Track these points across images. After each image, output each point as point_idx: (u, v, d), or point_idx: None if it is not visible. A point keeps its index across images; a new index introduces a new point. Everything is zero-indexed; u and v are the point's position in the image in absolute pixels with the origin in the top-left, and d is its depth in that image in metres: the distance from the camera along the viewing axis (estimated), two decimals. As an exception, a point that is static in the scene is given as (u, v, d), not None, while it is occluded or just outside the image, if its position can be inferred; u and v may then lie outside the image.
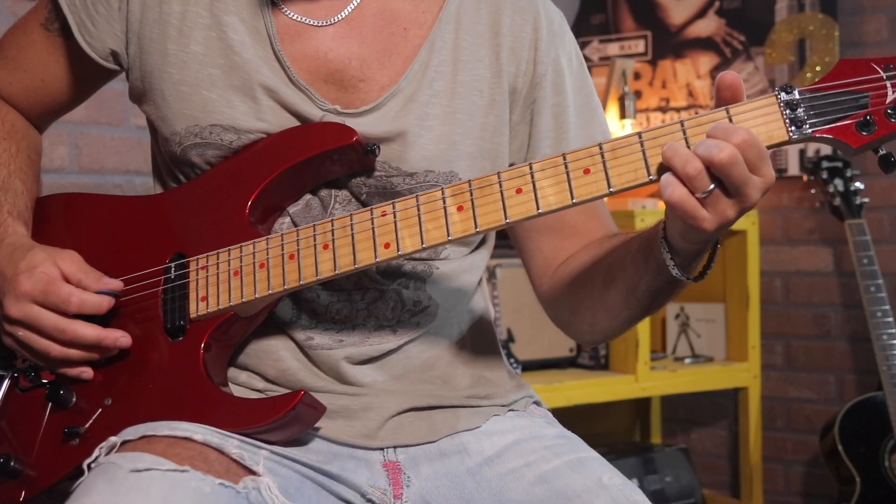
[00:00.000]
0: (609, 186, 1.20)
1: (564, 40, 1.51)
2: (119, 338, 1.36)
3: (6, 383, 1.42)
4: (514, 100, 1.46)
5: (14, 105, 1.56)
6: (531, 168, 1.23)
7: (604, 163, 1.20)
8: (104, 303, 1.37)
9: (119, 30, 1.44)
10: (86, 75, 1.53)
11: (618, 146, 1.20)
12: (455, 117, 1.41)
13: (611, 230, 1.51)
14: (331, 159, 1.37)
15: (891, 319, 3.05)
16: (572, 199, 1.22)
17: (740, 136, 1.13)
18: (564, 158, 1.22)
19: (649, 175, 1.19)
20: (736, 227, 3.39)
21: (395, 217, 1.28)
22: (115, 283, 1.38)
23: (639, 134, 1.20)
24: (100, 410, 1.37)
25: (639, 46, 3.86)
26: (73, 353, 1.36)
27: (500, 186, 1.24)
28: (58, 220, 1.51)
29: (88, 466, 1.26)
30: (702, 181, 1.15)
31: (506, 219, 1.24)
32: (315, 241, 1.30)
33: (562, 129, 1.48)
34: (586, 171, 1.21)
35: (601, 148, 1.21)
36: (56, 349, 1.36)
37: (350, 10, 1.42)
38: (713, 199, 1.16)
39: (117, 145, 2.89)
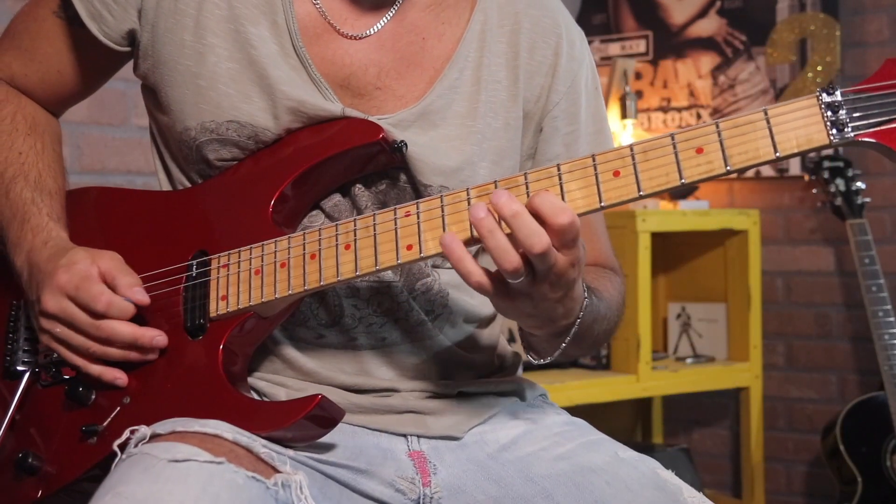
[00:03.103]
0: (639, 190, 1.17)
1: (583, 64, 1.48)
2: (155, 336, 1.33)
3: (26, 378, 1.40)
4: (527, 125, 1.44)
5: (31, 96, 1.52)
6: (559, 168, 1.20)
7: (634, 165, 1.17)
8: (130, 309, 1.33)
9: (134, 16, 1.41)
10: (104, 62, 1.49)
11: (648, 148, 1.17)
12: (474, 138, 1.39)
13: (592, 259, 1.47)
14: (356, 156, 1.34)
15: (892, 319, 3.02)
16: (601, 202, 1.18)
17: (563, 218, 1.12)
18: (594, 160, 1.19)
19: (681, 179, 1.16)
20: (737, 227, 3.38)
21: (418, 218, 1.24)
22: (143, 297, 1.34)
23: (671, 135, 1.16)
24: (118, 409, 1.34)
25: (640, 46, 3.83)
26: (113, 351, 1.33)
27: (527, 188, 1.20)
28: (83, 214, 1.48)
29: (120, 448, 1.24)
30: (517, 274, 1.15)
31: None
32: (337, 240, 1.27)
33: (571, 156, 1.45)
34: (616, 174, 1.17)
35: (632, 149, 1.18)
36: (96, 347, 1.33)
37: (381, 25, 1.40)
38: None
39: (118, 145, 2.86)
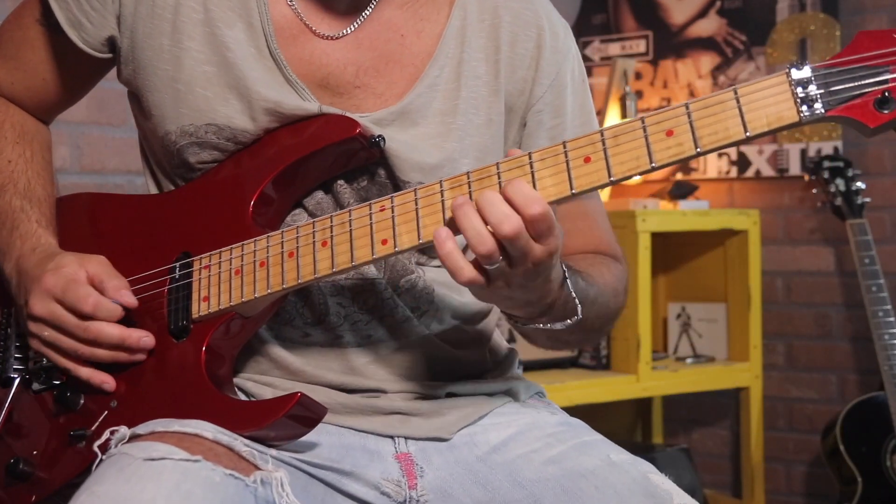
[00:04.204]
0: (610, 175, 1.14)
1: (568, 56, 1.46)
2: (142, 337, 1.32)
3: (16, 384, 1.40)
4: (511, 119, 1.43)
5: (18, 104, 1.51)
6: (530, 157, 1.17)
7: (605, 150, 1.14)
8: (117, 311, 1.32)
9: (113, 23, 1.40)
10: (87, 69, 1.48)
11: (619, 132, 1.14)
12: (455, 135, 1.38)
13: (592, 246, 1.45)
14: (335, 153, 1.33)
15: (892, 319, 3.00)
16: (571, 189, 1.15)
17: (535, 208, 1.11)
18: (565, 146, 1.16)
19: (651, 163, 1.13)
20: (737, 227, 3.34)
21: (392, 212, 1.23)
22: (130, 300, 1.33)
23: (642, 118, 1.13)
24: (106, 413, 1.34)
25: (640, 46, 3.80)
26: (101, 353, 1.32)
27: (499, 178, 1.18)
28: (71, 220, 1.48)
29: (100, 448, 1.24)
30: (493, 258, 1.13)
31: None
32: (314, 237, 1.27)
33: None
34: (587, 160, 1.15)
35: (602, 135, 1.15)
36: (85, 349, 1.32)
37: (356, 25, 1.38)
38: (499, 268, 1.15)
39: (118, 145, 2.85)
